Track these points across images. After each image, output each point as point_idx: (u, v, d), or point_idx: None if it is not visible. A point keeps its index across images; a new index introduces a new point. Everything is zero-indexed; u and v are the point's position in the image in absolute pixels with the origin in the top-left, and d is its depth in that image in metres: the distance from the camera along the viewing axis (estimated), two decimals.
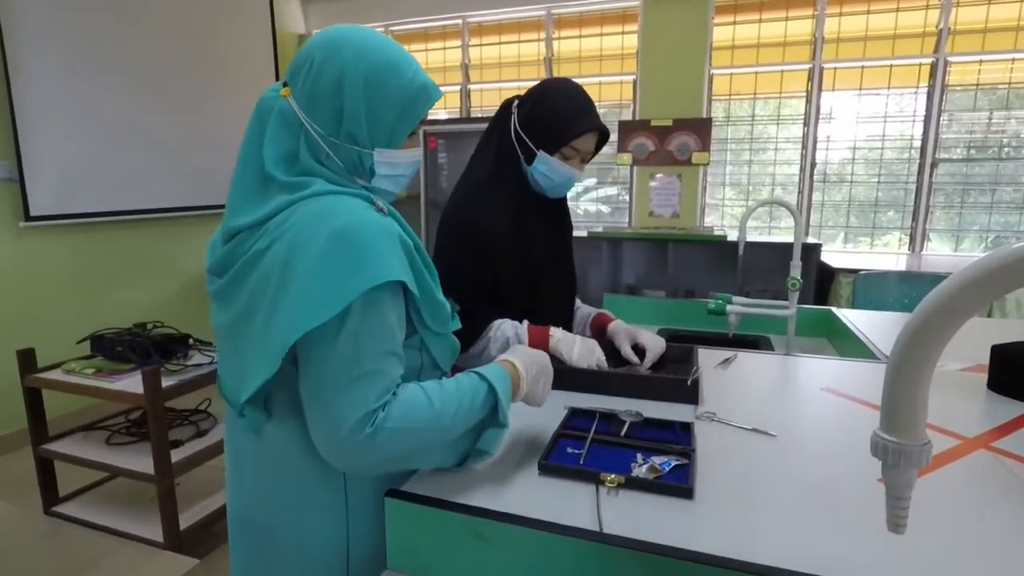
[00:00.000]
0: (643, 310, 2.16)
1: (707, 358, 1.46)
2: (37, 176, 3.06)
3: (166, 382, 1.94)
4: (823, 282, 3.41)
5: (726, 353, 1.51)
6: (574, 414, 1.09)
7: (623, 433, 1.01)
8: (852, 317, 1.89)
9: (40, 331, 3.05)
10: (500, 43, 4.46)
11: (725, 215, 4.19)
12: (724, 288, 2.21)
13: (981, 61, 3.52)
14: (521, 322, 1.27)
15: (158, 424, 1.89)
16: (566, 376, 1.21)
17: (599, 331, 1.43)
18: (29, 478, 2.23)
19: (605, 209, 4.47)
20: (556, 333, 1.27)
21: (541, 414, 1.06)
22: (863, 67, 3.73)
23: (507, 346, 1.21)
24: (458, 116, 4.59)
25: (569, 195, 1.44)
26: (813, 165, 3.91)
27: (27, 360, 2.10)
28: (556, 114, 1.27)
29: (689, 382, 1.18)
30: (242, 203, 0.83)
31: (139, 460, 1.99)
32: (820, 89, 3.81)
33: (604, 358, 1.28)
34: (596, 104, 1.31)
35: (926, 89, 3.62)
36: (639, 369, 1.30)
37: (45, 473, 2.17)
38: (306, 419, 0.78)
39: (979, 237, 3.71)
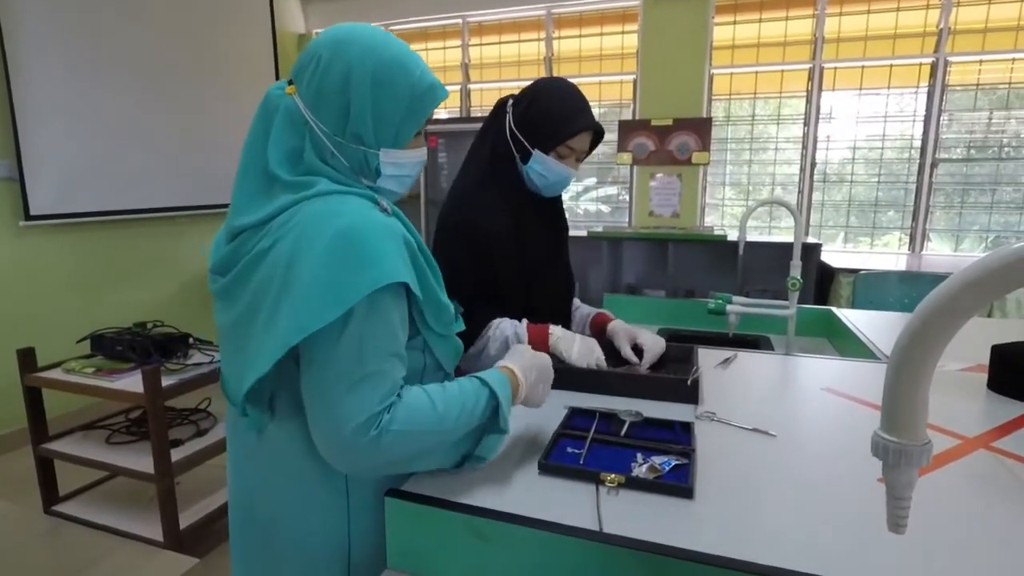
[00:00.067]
0: (643, 310, 2.16)
1: (707, 358, 1.46)
2: (37, 175, 3.06)
3: (166, 381, 1.94)
4: (823, 282, 3.41)
5: (726, 353, 1.51)
6: (574, 414, 1.09)
7: (623, 433, 1.01)
8: (852, 317, 1.89)
9: (40, 330, 3.05)
10: (500, 43, 4.46)
11: (725, 215, 4.19)
12: (724, 288, 2.20)
13: (981, 61, 3.52)
14: (520, 321, 1.27)
15: (158, 423, 1.89)
16: (566, 376, 1.21)
17: (599, 331, 1.43)
18: (29, 477, 2.23)
19: (605, 209, 4.47)
20: (556, 331, 1.27)
21: (541, 414, 1.06)
22: (863, 67, 3.73)
23: (506, 345, 1.21)
24: (458, 116, 4.59)
25: (569, 195, 1.44)
26: (813, 165, 3.91)
27: (27, 359, 2.10)
28: (551, 113, 1.27)
29: (689, 382, 1.18)
30: (246, 202, 0.83)
31: (139, 459, 1.99)
32: (820, 89, 3.81)
33: (603, 357, 1.28)
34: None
35: (926, 89, 3.62)
36: (639, 369, 1.30)
37: (45, 472, 2.17)
38: (308, 420, 0.78)
39: (979, 237, 3.71)
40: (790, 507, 0.81)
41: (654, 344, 1.34)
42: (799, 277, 1.59)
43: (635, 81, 4.11)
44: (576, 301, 1.55)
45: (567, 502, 0.81)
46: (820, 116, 3.85)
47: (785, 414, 1.14)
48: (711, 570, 0.67)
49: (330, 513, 0.86)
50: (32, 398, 2.11)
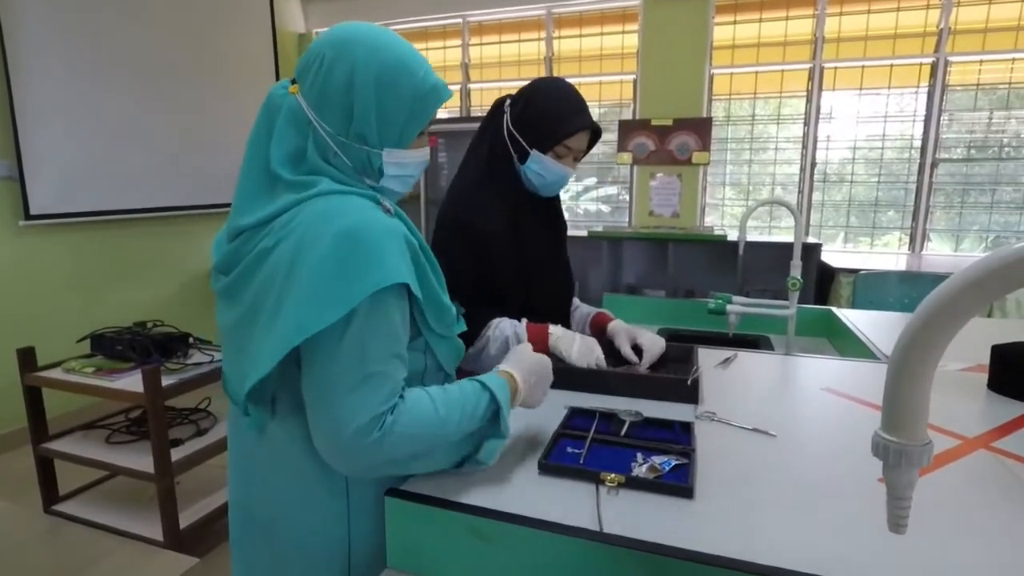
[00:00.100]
0: (643, 310, 2.16)
1: (707, 358, 1.46)
2: (37, 175, 3.06)
3: (166, 381, 1.94)
4: (823, 282, 3.41)
5: (726, 353, 1.51)
6: (574, 414, 1.09)
7: (623, 433, 1.01)
8: (852, 317, 1.89)
9: (40, 330, 3.06)
10: (500, 42, 4.46)
11: (725, 215, 4.19)
12: (724, 288, 2.20)
13: (981, 61, 3.52)
14: (520, 321, 1.27)
15: (158, 423, 1.89)
16: (566, 375, 1.21)
17: (599, 331, 1.43)
18: (29, 477, 2.23)
19: (605, 208, 4.47)
20: (555, 331, 1.27)
21: (541, 414, 1.06)
22: (863, 67, 3.73)
23: (506, 345, 1.21)
24: (458, 115, 4.59)
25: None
26: (813, 165, 3.91)
27: (27, 359, 2.10)
28: (548, 113, 1.27)
29: (689, 382, 1.18)
30: (248, 201, 0.83)
31: (139, 459, 1.99)
32: (820, 89, 3.81)
33: (603, 356, 1.28)
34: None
35: (926, 89, 3.62)
36: (639, 369, 1.30)
37: (45, 472, 2.17)
38: (308, 420, 0.78)
39: (979, 237, 3.71)
40: (790, 507, 0.81)
41: (654, 344, 1.34)
42: (799, 277, 1.59)
43: (635, 81, 4.11)
44: (576, 301, 1.55)
45: (567, 502, 0.81)
46: (820, 116, 3.85)
47: (785, 414, 1.14)
48: (711, 570, 0.67)
49: (330, 513, 0.86)
50: (32, 397, 2.11)
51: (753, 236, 3.87)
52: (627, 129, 4.06)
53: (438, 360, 0.91)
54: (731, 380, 1.34)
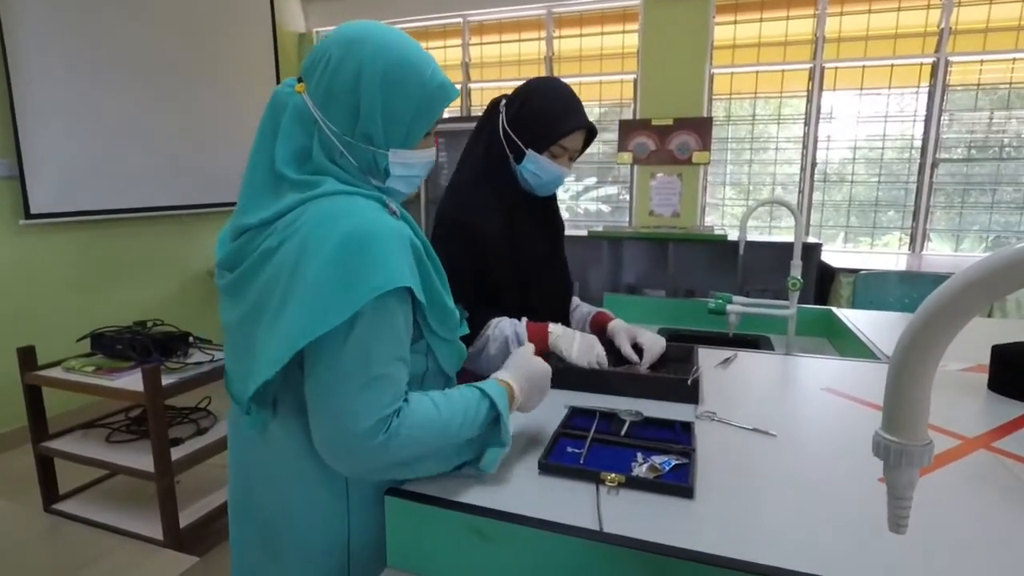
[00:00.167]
0: (643, 309, 2.16)
1: (707, 358, 1.46)
2: (37, 174, 3.06)
3: (166, 380, 1.94)
4: (823, 282, 3.41)
5: (726, 353, 1.51)
6: (574, 413, 1.09)
7: (623, 432, 1.01)
8: (852, 317, 1.89)
9: (40, 329, 3.06)
10: (501, 42, 4.46)
11: (725, 215, 4.18)
12: (724, 288, 2.20)
13: (982, 61, 3.52)
14: (519, 320, 1.27)
15: (158, 422, 1.89)
16: (566, 375, 1.21)
17: (599, 330, 1.43)
18: (29, 476, 2.23)
19: (605, 208, 4.46)
20: (556, 329, 1.27)
21: (541, 414, 1.06)
22: (864, 67, 3.72)
23: (505, 344, 1.21)
24: (459, 115, 4.59)
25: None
26: (813, 165, 3.90)
27: (27, 358, 2.10)
28: (544, 113, 1.28)
29: (689, 381, 1.18)
30: (253, 200, 0.82)
31: (139, 458, 1.99)
32: (821, 89, 3.81)
33: (604, 354, 1.28)
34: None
35: (927, 89, 3.62)
36: (639, 368, 1.30)
37: (45, 471, 2.17)
38: (310, 422, 0.78)
39: (979, 237, 3.71)
40: (790, 507, 0.81)
41: (654, 343, 1.34)
42: (799, 277, 1.59)
43: (635, 80, 4.11)
44: (576, 300, 1.55)
45: (567, 502, 0.81)
46: (820, 116, 3.85)
47: (785, 414, 1.14)
48: (711, 570, 0.67)
49: (330, 512, 0.86)
50: (32, 396, 2.11)
51: (753, 236, 3.87)
52: (627, 129, 4.06)
53: (439, 363, 0.91)
54: (731, 380, 1.34)
